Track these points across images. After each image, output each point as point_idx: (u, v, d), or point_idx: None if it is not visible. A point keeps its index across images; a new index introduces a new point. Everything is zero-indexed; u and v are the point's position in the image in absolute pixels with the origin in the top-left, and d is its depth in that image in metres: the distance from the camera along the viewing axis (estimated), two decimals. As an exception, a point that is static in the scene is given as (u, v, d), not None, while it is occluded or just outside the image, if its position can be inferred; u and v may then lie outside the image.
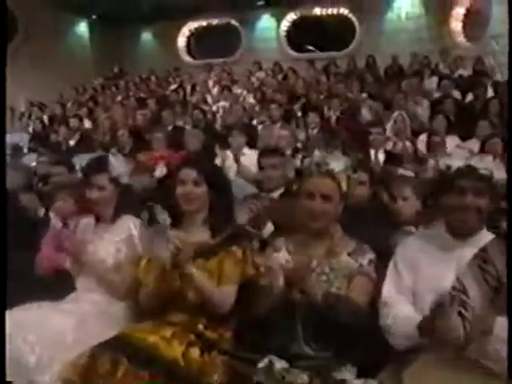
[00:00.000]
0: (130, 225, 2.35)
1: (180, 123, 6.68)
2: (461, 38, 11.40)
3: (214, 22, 13.83)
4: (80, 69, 12.45)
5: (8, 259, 2.93)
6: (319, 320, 1.91)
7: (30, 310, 2.16)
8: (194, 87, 9.44)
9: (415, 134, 5.79)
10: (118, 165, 2.57)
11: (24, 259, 3.47)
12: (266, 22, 13.35)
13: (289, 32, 13.23)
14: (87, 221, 3.25)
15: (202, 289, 2.00)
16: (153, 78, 11.24)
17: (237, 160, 4.98)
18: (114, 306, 2.27)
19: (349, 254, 2.06)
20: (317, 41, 12.64)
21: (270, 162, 3.47)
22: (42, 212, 3.79)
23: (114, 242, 2.34)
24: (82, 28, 13.83)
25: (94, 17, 13.78)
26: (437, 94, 7.61)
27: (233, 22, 13.55)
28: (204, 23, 13.94)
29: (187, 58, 14.11)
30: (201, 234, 2.15)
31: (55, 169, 3.93)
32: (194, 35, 14.23)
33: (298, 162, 4.69)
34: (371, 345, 1.91)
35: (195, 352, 1.92)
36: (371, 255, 2.07)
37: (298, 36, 13.08)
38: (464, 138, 5.36)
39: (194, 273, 1.99)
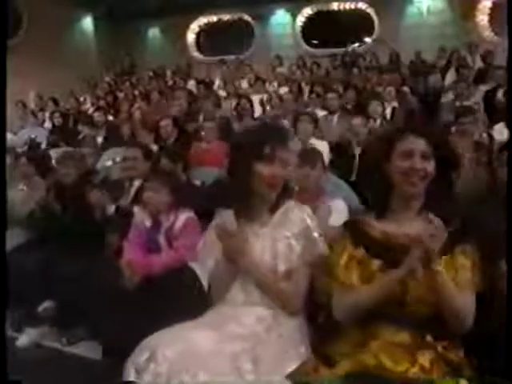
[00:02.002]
0: (303, 215, 1.75)
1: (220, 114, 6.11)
2: (488, 33, 11.00)
3: (225, 17, 13.26)
4: (85, 64, 11.94)
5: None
6: None
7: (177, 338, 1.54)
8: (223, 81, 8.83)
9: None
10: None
11: (102, 265, 2.88)
12: (280, 17, 12.84)
13: (304, 28, 12.71)
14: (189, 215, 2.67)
15: (449, 293, 1.43)
16: (168, 72, 10.63)
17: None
18: (286, 324, 1.67)
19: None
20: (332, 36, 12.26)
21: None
22: (111, 209, 3.17)
23: (283, 237, 1.73)
24: (87, 23, 13.18)
25: (99, 12, 13.14)
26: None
27: (245, 17, 13.00)
28: (215, 18, 13.35)
29: (197, 55, 13.49)
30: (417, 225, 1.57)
31: (129, 152, 3.30)
32: (204, 31, 13.63)
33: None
34: None
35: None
36: None
37: (314, 31, 12.60)
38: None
39: (440, 271, 1.41)
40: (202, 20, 13.43)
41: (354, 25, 12.49)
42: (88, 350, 2.93)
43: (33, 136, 7.12)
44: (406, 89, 7.49)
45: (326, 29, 12.42)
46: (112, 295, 2.81)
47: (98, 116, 6.59)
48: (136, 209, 2.82)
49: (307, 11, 12.64)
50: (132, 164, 3.24)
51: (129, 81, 10.22)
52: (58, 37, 11.85)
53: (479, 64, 8.58)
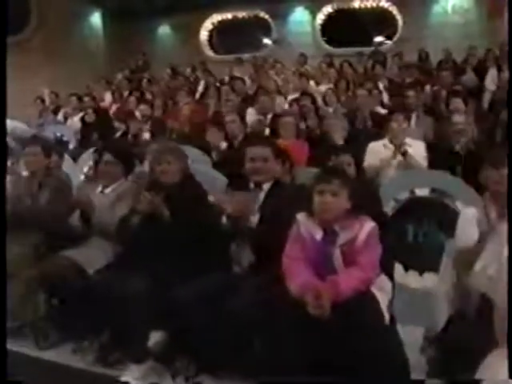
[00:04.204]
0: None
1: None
2: (515, 31, 10.65)
3: (241, 14, 12.73)
4: (95, 61, 11.54)
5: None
6: None
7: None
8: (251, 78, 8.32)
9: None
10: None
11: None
12: (299, 15, 12.36)
13: (323, 26, 12.26)
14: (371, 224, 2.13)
15: None
16: (188, 70, 10.07)
17: (404, 152, 3.98)
18: None
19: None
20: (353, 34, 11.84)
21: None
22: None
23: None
24: (96, 19, 12.54)
25: (106, 7, 12.52)
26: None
27: (262, 14, 12.49)
28: (229, 16, 12.81)
29: (210, 53, 12.92)
30: None
31: (257, 150, 2.71)
32: (217, 29, 13.09)
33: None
34: None
35: None
36: None
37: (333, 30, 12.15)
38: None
39: None
40: (216, 17, 12.88)
41: (376, 23, 12.08)
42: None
43: (58, 134, 6.52)
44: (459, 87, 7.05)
45: (346, 27, 12.01)
46: (254, 323, 2.25)
47: (143, 110, 5.98)
48: (301, 217, 2.25)
49: (327, 9, 12.19)
50: (262, 165, 2.66)
51: (147, 78, 9.59)
52: (68, 33, 11.30)
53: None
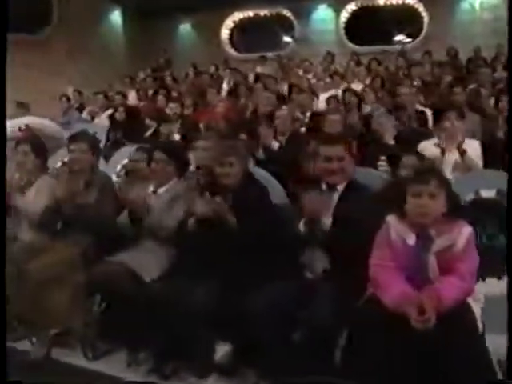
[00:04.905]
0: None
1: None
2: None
3: (262, 12, 12.52)
4: (114, 59, 11.44)
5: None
6: None
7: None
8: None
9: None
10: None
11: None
12: (322, 13, 12.15)
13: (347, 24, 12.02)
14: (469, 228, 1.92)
15: None
16: (212, 68, 9.89)
17: (462, 151, 3.74)
18: None
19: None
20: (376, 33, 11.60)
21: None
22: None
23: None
24: (116, 17, 12.40)
25: (126, 6, 12.38)
26: None
27: (284, 12, 12.28)
28: (251, 14, 12.61)
29: (231, 51, 12.74)
30: None
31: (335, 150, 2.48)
32: (238, 27, 12.89)
33: None
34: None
35: None
36: None
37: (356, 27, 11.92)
38: None
39: None
40: (238, 15, 12.69)
41: (401, 21, 11.83)
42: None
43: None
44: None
45: (369, 25, 11.77)
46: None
47: (173, 108, 5.77)
48: (392, 219, 2.03)
49: (351, 6, 11.96)
50: (337, 165, 2.45)
51: (171, 76, 9.42)
52: (89, 31, 11.18)
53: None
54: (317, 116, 4.94)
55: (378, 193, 2.43)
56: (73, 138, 3.12)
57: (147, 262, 2.62)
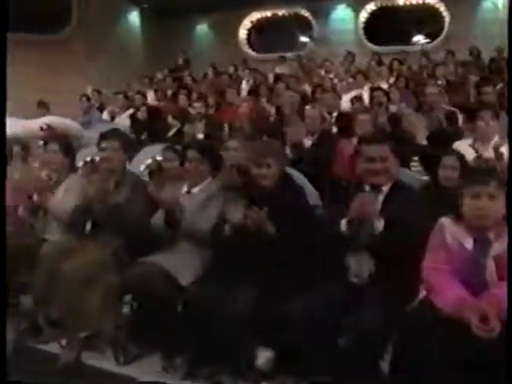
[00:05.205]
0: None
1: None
2: None
3: (280, 12, 12.43)
4: (132, 59, 11.38)
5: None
6: None
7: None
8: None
9: None
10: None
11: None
12: (341, 12, 12.02)
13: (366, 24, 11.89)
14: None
15: None
16: (232, 68, 9.83)
17: (500, 154, 3.63)
18: None
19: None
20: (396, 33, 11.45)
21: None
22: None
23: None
24: (134, 18, 12.39)
25: (144, 5, 12.36)
26: None
27: (302, 12, 12.18)
28: (269, 14, 12.52)
29: (249, 52, 12.66)
30: None
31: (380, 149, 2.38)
32: (255, 27, 12.81)
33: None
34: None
35: None
36: None
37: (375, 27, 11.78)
38: None
39: None
40: (255, 16, 12.62)
41: (421, 21, 11.68)
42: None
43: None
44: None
45: (389, 25, 11.64)
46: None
47: (197, 107, 5.69)
48: (447, 222, 1.93)
49: (370, 6, 11.82)
50: (381, 166, 2.34)
51: (190, 76, 9.37)
52: (107, 32, 11.18)
53: None
54: (344, 116, 4.83)
55: (425, 194, 2.32)
56: (104, 136, 3.04)
57: (182, 263, 2.54)
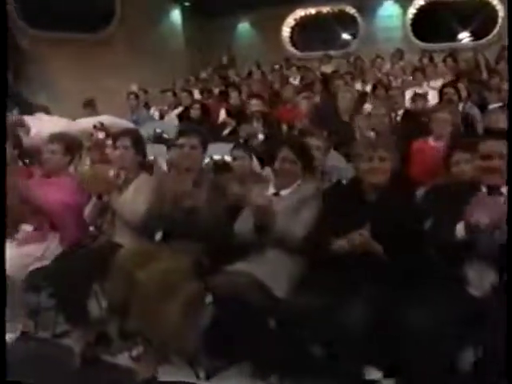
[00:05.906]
0: None
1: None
2: None
3: (325, 9, 12.13)
4: (174, 57, 11.17)
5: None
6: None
7: None
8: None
9: None
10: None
11: None
12: (388, 9, 11.65)
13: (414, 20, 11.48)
14: None
15: None
16: (277, 66, 9.61)
17: None
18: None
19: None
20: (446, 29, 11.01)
21: None
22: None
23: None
24: (175, 16, 12.26)
25: (186, 4, 12.23)
26: None
27: (348, 9, 11.85)
28: (313, 11, 12.23)
29: (292, 50, 12.39)
30: None
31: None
32: (298, 25, 12.53)
33: None
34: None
35: None
36: None
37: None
38: None
39: None
40: (299, 13, 12.34)
41: (471, 16, 11.21)
42: None
43: (158, 130, 6.11)
44: None
45: (438, 21, 11.21)
46: None
47: (255, 105, 5.42)
48: None
49: (419, 2, 11.41)
50: (499, 163, 2.05)
51: (237, 74, 9.17)
52: (149, 30, 11.06)
53: None
54: (412, 114, 4.54)
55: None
56: (183, 132, 2.81)
57: (275, 273, 2.29)
